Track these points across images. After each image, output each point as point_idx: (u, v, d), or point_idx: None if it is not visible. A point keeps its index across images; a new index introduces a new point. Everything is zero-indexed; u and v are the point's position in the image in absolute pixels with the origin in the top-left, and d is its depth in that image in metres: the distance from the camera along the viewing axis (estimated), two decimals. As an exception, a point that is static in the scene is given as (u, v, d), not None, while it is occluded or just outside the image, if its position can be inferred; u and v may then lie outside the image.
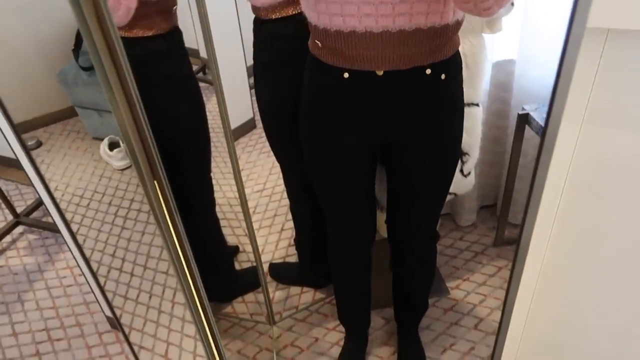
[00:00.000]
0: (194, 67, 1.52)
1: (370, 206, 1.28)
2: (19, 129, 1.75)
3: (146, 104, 1.42)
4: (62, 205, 2.09)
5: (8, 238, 2.29)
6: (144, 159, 0.44)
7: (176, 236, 0.51)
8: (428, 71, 0.99)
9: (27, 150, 1.14)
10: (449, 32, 0.97)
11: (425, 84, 1.00)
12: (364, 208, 1.27)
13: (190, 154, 1.49)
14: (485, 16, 0.87)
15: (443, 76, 1.01)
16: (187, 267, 0.56)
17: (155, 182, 0.46)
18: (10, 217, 2.34)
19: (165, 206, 0.48)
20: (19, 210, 2.36)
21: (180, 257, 0.53)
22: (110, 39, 0.37)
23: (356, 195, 1.22)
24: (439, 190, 1.23)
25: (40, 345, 1.80)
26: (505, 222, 1.97)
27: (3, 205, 2.39)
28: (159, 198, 0.47)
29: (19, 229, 2.34)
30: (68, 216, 2.06)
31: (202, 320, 0.59)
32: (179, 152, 1.44)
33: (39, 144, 2.28)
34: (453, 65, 1.03)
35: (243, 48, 2.70)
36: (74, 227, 2.02)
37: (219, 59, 1.20)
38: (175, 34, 1.32)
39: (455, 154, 1.18)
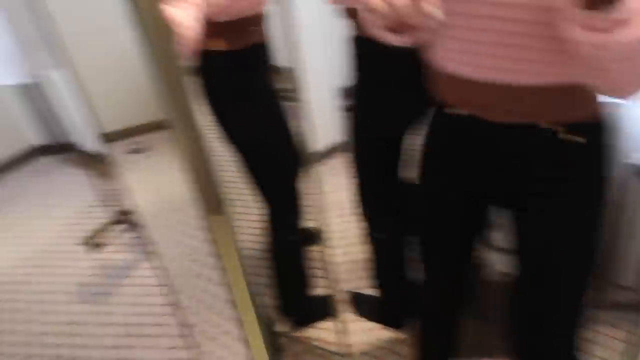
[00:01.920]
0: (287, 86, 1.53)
1: (461, 270, 1.17)
2: (125, 134, 1.85)
3: (227, 117, 1.38)
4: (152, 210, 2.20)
5: (109, 234, 2.47)
6: (208, 193, 0.42)
7: (240, 276, 0.49)
8: (548, 130, 0.87)
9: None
10: (578, 92, 0.83)
11: (541, 143, 0.89)
12: (452, 271, 1.16)
13: (273, 169, 1.50)
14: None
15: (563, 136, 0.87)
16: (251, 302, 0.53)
17: (219, 217, 0.44)
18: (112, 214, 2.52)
19: (232, 244, 0.46)
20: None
21: (245, 295, 0.51)
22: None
23: (446, 250, 1.13)
24: (571, 273, 0.96)
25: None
26: (607, 283, 1.75)
27: (107, 203, 2.58)
28: (223, 233, 0.45)
29: (120, 227, 2.51)
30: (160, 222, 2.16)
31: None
32: (260, 166, 1.47)
33: (144, 150, 2.42)
34: (589, 128, 0.88)
35: (337, 69, 2.69)
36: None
37: (312, 80, 1.18)
38: (258, 49, 1.34)
39: (588, 237, 0.94)
